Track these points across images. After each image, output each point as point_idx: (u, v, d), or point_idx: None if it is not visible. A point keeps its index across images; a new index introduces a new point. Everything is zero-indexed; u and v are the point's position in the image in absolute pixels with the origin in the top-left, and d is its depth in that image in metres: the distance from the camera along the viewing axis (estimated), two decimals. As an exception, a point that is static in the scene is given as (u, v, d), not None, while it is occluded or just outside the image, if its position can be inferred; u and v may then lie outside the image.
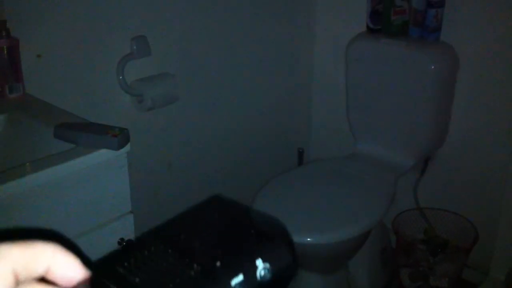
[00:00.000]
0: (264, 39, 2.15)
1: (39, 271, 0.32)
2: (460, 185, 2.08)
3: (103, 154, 1.11)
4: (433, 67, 1.85)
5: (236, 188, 2.16)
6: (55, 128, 1.15)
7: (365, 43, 2.01)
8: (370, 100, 2.05)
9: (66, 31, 1.55)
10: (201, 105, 1.99)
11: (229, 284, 0.30)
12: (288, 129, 2.42)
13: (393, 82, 1.96)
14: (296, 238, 1.60)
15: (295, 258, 0.34)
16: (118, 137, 1.11)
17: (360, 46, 2.02)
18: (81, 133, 1.12)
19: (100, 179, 1.15)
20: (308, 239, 1.63)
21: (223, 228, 0.36)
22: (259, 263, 0.31)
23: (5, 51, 1.36)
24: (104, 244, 1.12)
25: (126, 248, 0.35)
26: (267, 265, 0.32)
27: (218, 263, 0.31)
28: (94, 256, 0.36)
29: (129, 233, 1.20)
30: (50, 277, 0.32)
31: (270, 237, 0.34)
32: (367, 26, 2.03)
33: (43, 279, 0.32)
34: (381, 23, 1.99)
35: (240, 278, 0.31)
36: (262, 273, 0.31)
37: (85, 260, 0.33)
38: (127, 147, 1.14)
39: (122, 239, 1.16)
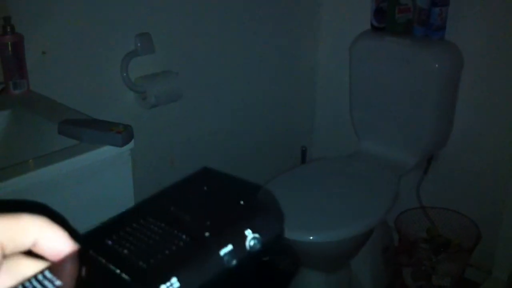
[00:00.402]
0: (267, 38, 2.14)
1: (26, 244, 0.32)
2: (463, 184, 2.08)
3: (107, 151, 1.11)
4: (437, 65, 1.84)
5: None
6: (59, 124, 1.15)
7: (369, 41, 2.01)
8: (373, 98, 2.05)
9: (71, 28, 1.55)
10: (204, 103, 2.00)
11: (218, 253, 0.30)
12: (291, 128, 2.42)
13: (397, 80, 1.95)
14: (299, 237, 1.61)
15: (283, 228, 0.34)
16: (122, 134, 1.11)
17: (364, 44, 2.01)
18: (85, 129, 1.13)
19: (103, 176, 1.15)
20: (311, 238, 1.63)
21: (212, 199, 0.36)
22: (249, 233, 0.32)
23: (10, 47, 1.36)
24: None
25: (115, 221, 0.35)
26: (257, 235, 0.32)
27: (207, 234, 0.31)
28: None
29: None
30: (38, 250, 0.32)
31: (259, 207, 0.34)
32: (371, 25, 2.03)
33: (30, 252, 0.32)
34: (385, 21, 1.98)
35: (229, 247, 0.31)
36: (252, 243, 0.32)
37: (73, 233, 0.33)
38: (131, 144, 1.14)
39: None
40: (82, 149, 1.10)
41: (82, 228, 0.35)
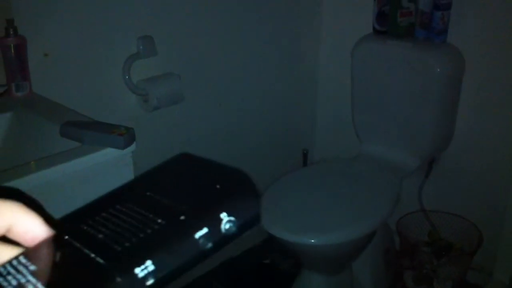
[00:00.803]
0: (269, 41, 2.15)
1: (0, 230, 0.32)
2: (465, 188, 2.08)
3: (108, 153, 1.12)
4: (439, 69, 1.84)
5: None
6: (61, 126, 1.16)
7: (371, 44, 2.01)
8: (375, 101, 2.05)
9: (73, 30, 1.56)
10: (206, 105, 2.00)
11: (193, 236, 0.31)
12: (293, 130, 2.42)
13: (399, 83, 1.95)
14: (301, 239, 1.62)
15: (259, 211, 0.34)
16: (124, 136, 1.11)
17: (366, 47, 2.02)
18: (87, 131, 1.13)
19: (105, 178, 1.15)
20: (312, 240, 1.63)
21: (189, 183, 0.36)
22: (224, 216, 0.32)
23: (13, 50, 1.37)
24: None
25: (91, 206, 0.35)
26: (232, 218, 0.32)
27: (182, 217, 0.31)
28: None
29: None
30: (12, 235, 0.32)
31: (235, 191, 0.34)
32: (373, 28, 2.03)
33: (4, 238, 0.32)
34: (387, 24, 1.98)
35: (204, 230, 0.31)
36: (227, 226, 0.32)
37: (48, 218, 0.33)
38: (133, 146, 1.15)
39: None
40: (84, 151, 1.10)
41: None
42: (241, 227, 0.32)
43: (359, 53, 2.03)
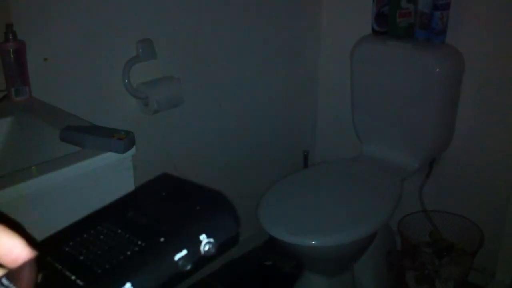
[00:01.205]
0: (269, 42, 2.15)
1: None
2: (466, 188, 2.07)
3: (108, 157, 1.12)
4: (438, 69, 1.84)
5: (241, 190, 2.16)
6: (61, 131, 1.16)
7: (370, 45, 2.01)
8: (375, 102, 2.05)
9: (73, 34, 1.56)
10: (206, 108, 2.00)
11: (172, 259, 0.31)
12: (293, 132, 2.42)
13: (399, 84, 1.95)
14: (302, 241, 1.61)
15: (238, 231, 0.35)
16: (124, 140, 1.11)
17: (365, 48, 2.02)
18: (87, 136, 1.13)
19: (105, 182, 1.15)
20: (313, 242, 1.63)
21: (169, 204, 0.36)
22: (203, 238, 0.32)
23: (12, 54, 1.37)
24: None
25: (73, 227, 0.35)
26: (211, 239, 0.33)
27: (162, 239, 0.32)
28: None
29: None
30: None
31: (215, 212, 0.34)
32: (373, 29, 2.03)
33: None
34: (386, 25, 1.98)
35: (183, 253, 0.31)
36: (206, 247, 0.32)
37: (30, 240, 0.33)
38: (133, 150, 1.15)
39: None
40: (84, 156, 1.10)
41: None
42: (220, 248, 0.33)
43: (359, 54, 2.03)
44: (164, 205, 0.36)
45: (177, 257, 0.31)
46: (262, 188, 1.89)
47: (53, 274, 0.31)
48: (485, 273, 2.07)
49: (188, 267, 0.31)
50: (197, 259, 0.32)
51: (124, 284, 0.29)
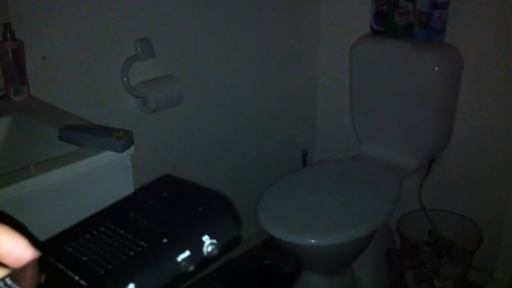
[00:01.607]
0: (268, 41, 2.15)
1: None
2: (465, 187, 2.08)
3: (107, 156, 1.11)
4: (437, 68, 1.84)
5: (240, 189, 2.17)
6: (60, 130, 1.16)
7: (369, 44, 2.01)
8: (374, 101, 2.05)
9: (71, 33, 1.56)
10: (205, 107, 2.00)
11: (175, 260, 0.31)
12: (292, 131, 2.42)
13: (397, 83, 1.95)
14: (301, 240, 1.61)
15: (240, 233, 0.35)
16: (123, 139, 1.11)
17: (364, 47, 2.02)
18: (86, 135, 1.13)
19: (104, 181, 1.15)
20: (312, 241, 1.63)
21: (172, 205, 0.37)
22: (206, 239, 0.33)
23: (10, 54, 1.37)
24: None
25: (75, 228, 0.35)
26: (214, 240, 0.33)
27: (165, 240, 0.32)
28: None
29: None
30: None
31: (217, 213, 0.35)
32: (371, 28, 2.03)
33: None
34: (385, 24, 1.98)
35: (186, 253, 0.32)
36: (209, 248, 0.33)
37: (33, 240, 0.33)
38: (132, 149, 1.15)
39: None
40: (83, 155, 1.10)
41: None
42: (222, 249, 0.33)
43: (358, 53, 2.03)
44: (166, 206, 0.37)
45: (180, 258, 0.31)
46: (261, 187, 1.89)
47: (56, 275, 0.31)
48: (484, 272, 2.07)
49: (191, 268, 0.32)
50: (200, 260, 0.32)
51: (127, 285, 0.29)
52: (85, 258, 0.32)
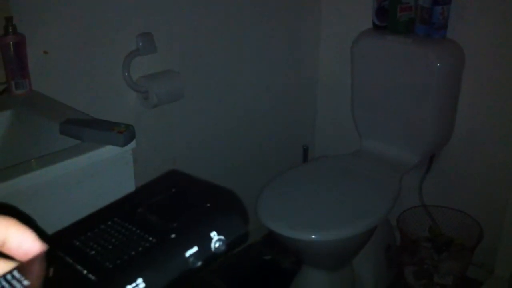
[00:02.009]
0: (269, 36, 2.15)
1: None
2: (465, 183, 2.08)
3: (108, 151, 1.12)
4: (439, 64, 1.84)
5: (241, 185, 2.16)
6: (61, 124, 1.16)
7: (371, 40, 2.01)
8: (375, 97, 2.05)
9: (73, 27, 1.56)
10: (206, 102, 2.00)
11: (183, 255, 0.31)
12: (293, 126, 2.42)
13: (399, 79, 1.95)
14: (301, 235, 1.62)
15: (247, 230, 0.35)
16: (124, 133, 1.11)
17: (365, 43, 2.01)
18: (87, 129, 1.13)
19: (105, 176, 1.15)
20: (313, 236, 1.63)
21: (179, 201, 0.37)
22: (214, 235, 0.33)
23: (12, 48, 1.37)
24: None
25: (83, 222, 0.35)
26: (222, 237, 0.33)
27: (173, 235, 0.32)
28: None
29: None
30: (6, 250, 0.32)
31: (225, 210, 0.35)
32: (373, 23, 2.02)
33: None
34: (387, 20, 1.98)
35: (194, 249, 0.32)
36: (217, 244, 0.33)
37: (41, 234, 0.33)
38: (133, 144, 1.15)
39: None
40: (84, 149, 1.10)
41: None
42: (230, 246, 0.33)
43: (359, 48, 2.02)
44: (174, 201, 0.37)
45: (188, 253, 0.32)
46: (262, 182, 1.89)
47: (64, 268, 0.31)
48: (484, 268, 2.08)
49: (199, 263, 0.32)
50: (208, 256, 0.32)
51: (135, 279, 0.29)
52: (93, 252, 0.32)
